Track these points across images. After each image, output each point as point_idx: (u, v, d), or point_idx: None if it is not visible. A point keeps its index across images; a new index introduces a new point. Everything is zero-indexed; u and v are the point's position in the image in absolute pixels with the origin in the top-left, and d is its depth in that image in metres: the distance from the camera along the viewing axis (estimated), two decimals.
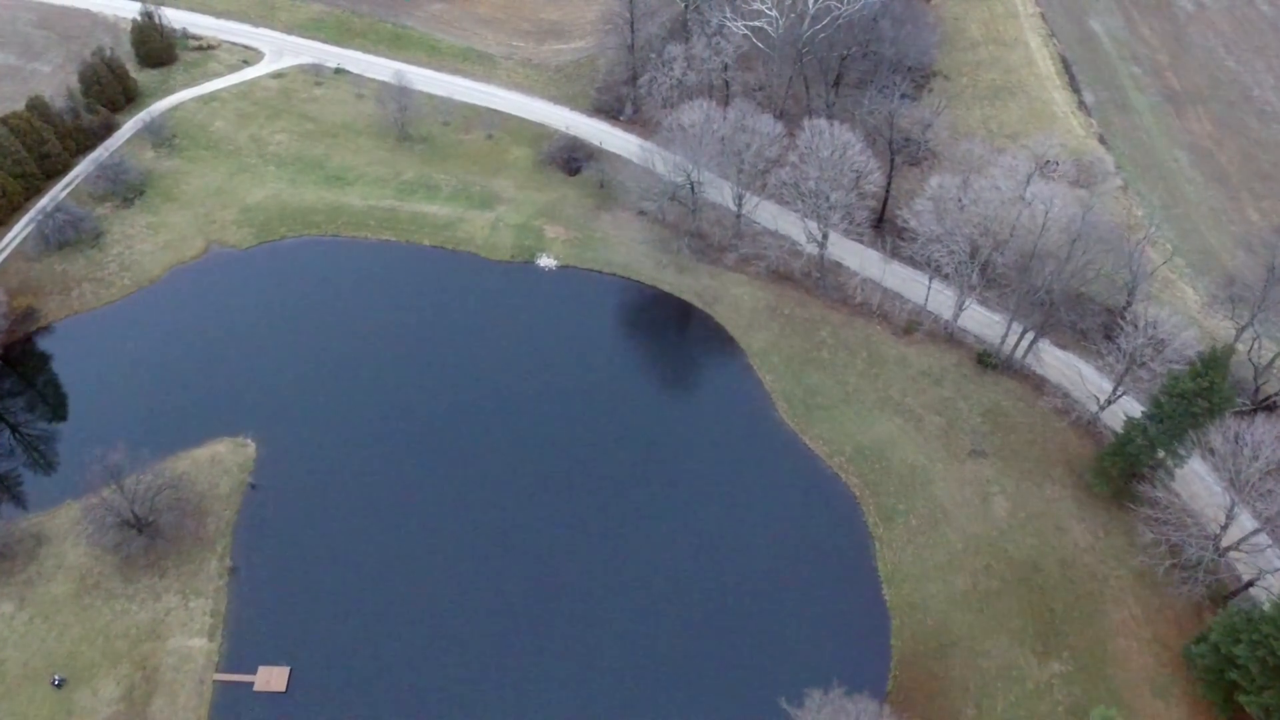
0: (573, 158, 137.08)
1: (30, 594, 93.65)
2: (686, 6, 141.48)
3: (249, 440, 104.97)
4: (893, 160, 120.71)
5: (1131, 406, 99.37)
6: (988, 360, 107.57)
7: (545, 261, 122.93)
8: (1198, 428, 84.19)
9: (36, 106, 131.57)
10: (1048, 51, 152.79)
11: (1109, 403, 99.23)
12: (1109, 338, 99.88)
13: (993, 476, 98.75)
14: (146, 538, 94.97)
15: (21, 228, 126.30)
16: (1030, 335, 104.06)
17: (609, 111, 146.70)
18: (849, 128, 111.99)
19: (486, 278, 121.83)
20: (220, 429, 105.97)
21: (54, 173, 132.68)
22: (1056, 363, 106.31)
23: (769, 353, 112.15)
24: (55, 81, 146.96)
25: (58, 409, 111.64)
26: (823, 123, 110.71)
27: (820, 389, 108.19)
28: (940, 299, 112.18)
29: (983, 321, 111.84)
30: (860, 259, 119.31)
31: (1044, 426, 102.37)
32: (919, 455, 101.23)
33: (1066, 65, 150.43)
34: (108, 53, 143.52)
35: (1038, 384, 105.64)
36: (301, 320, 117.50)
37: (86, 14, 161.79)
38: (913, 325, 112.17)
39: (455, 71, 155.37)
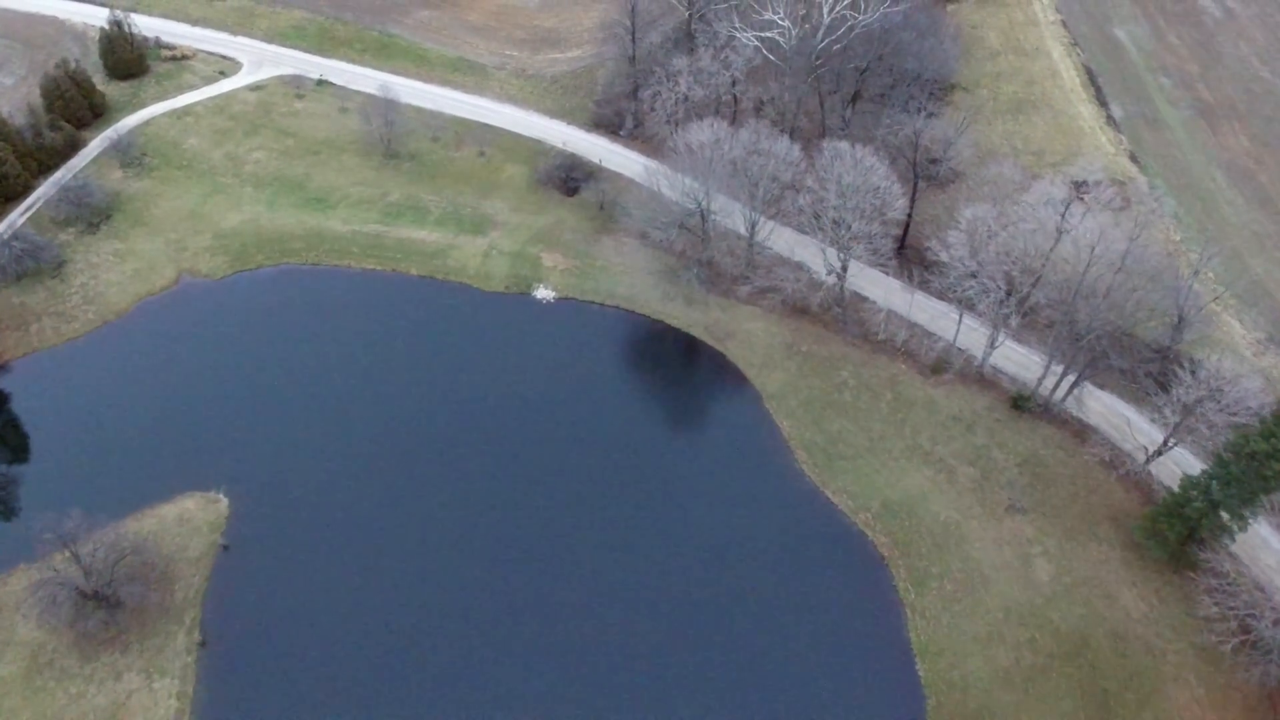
0: (571, 177, 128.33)
1: None
2: (691, 15, 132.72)
3: (221, 495, 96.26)
4: (915, 183, 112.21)
5: (1184, 458, 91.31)
6: (1023, 404, 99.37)
7: (543, 293, 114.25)
8: (1269, 492, 76.12)
9: None
10: (1071, 62, 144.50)
11: (1158, 454, 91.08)
12: (1159, 383, 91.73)
13: (1033, 535, 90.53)
14: (106, 610, 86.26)
15: None
16: (1071, 377, 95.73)
17: (608, 126, 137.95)
18: (871, 150, 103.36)
19: (480, 311, 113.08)
20: (190, 482, 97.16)
21: (13, 195, 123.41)
22: (1100, 407, 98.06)
23: (786, 395, 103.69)
24: (17, 95, 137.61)
25: (12, 458, 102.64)
26: (844, 145, 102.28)
27: (842, 436, 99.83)
28: (970, 334, 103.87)
29: (1017, 360, 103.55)
30: (883, 290, 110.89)
31: (1087, 479, 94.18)
32: (952, 511, 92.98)
33: (1092, 76, 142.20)
34: (73, 64, 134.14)
35: (1079, 431, 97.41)
36: (279, 359, 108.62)
37: (53, 21, 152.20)
38: (941, 364, 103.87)
39: (445, 83, 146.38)
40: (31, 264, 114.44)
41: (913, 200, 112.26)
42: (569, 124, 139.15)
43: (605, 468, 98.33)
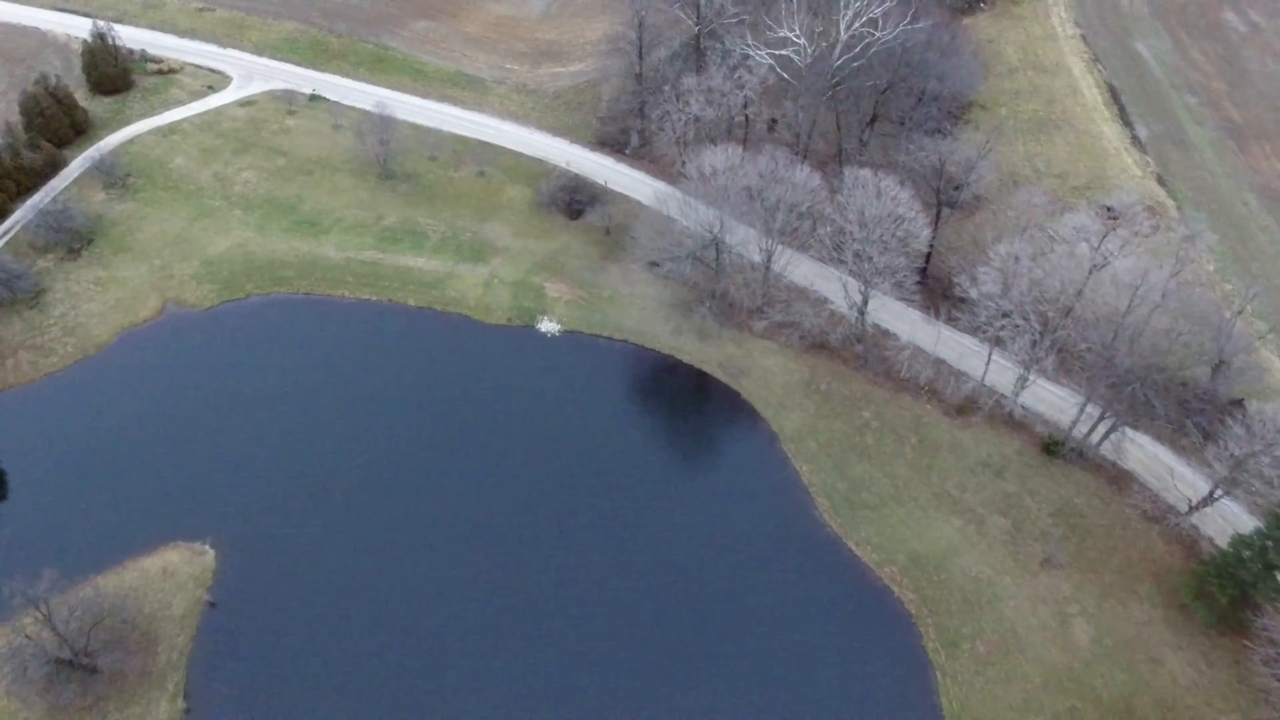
0: (575, 199, 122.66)
1: None
2: (700, 31, 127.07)
3: (207, 546, 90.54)
4: (939, 211, 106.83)
5: (1231, 511, 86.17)
6: (1056, 448, 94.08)
7: (547, 326, 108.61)
8: None
9: None
10: (1093, 79, 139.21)
11: (1203, 505, 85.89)
12: (1205, 431, 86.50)
13: (1070, 593, 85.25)
14: (82, 677, 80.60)
15: None
16: (1108, 422, 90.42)
17: (613, 144, 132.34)
18: (896, 179, 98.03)
19: (481, 345, 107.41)
20: (174, 531, 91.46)
21: None
22: (1140, 454, 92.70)
23: (805, 437, 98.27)
24: None
25: None
26: (866, 173, 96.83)
27: (866, 483, 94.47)
28: (999, 371, 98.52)
29: (1049, 401, 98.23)
30: (907, 324, 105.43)
31: (1125, 530, 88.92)
32: (983, 566, 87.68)
33: (1115, 94, 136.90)
34: (54, 80, 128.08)
35: (1116, 478, 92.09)
36: (270, 396, 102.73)
37: (35, 33, 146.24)
38: (968, 405, 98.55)
39: (443, 98, 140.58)
40: (6, 294, 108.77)
41: (935, 227, 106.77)
42: (572, 142, 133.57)
43: (614, 514, 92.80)
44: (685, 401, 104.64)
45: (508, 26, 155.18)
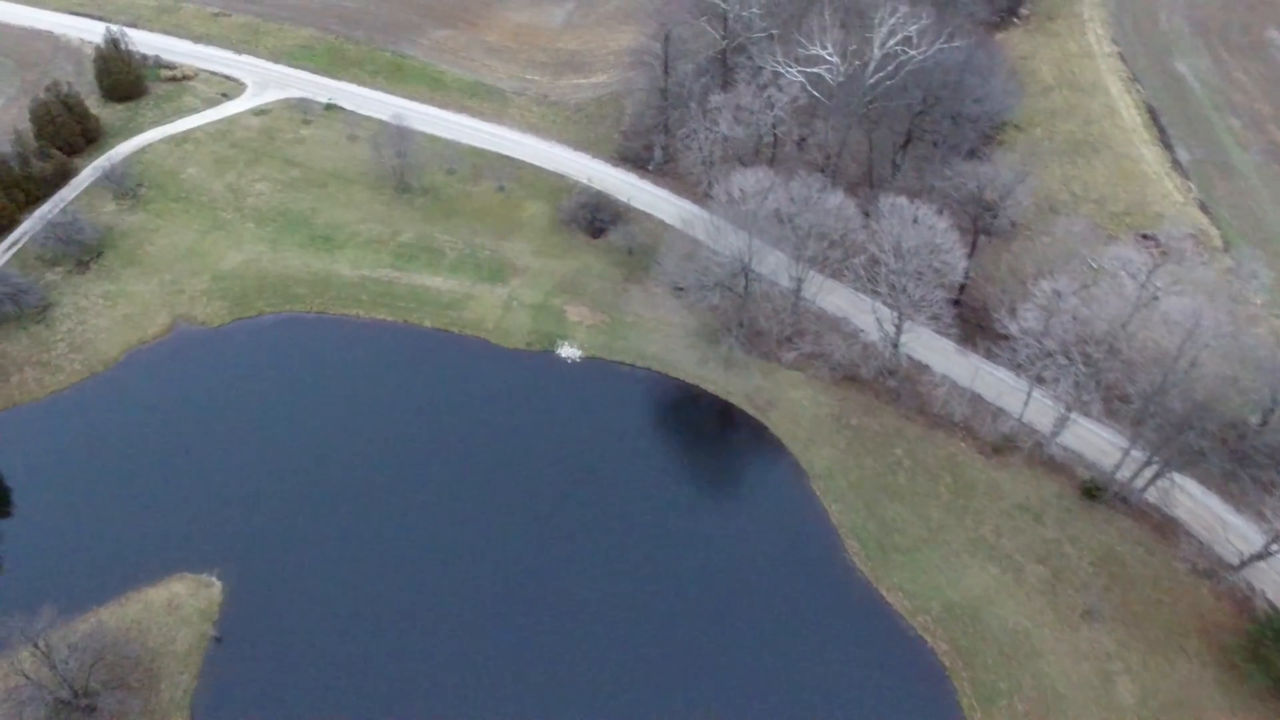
0: (597, 217, 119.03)
1: None
2: (728, 47, 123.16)
3: (214, 578, 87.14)
4: (976, 239, 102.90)
5: None
6: (1097, 493, 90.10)
7: (567, 352, 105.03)
8: None
9: None
10: (1131, 99, 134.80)
11: (1257, 559, 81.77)
12: (1260, 482, 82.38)
13: (1113, 649, 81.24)
14: (82, 716, 77.41)
15: None
16: (1154, 466, 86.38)
17: (636, 160, 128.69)
18: (934, 208, 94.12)
19: (499, 370, 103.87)
20: (180, 561, 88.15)
21: None
22: (1188, 501, 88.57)
23: (835, 475, 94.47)
24: (6, 118, 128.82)
25: None
26: (902, 201, 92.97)
27: (898, 524, 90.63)
28: (1038, 408, 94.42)
29: (1090, 441, 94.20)
30: (940, 355, 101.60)
31: (1171, 582, 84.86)
32: (1021, 617, 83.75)
33: (1154, 116, 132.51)
34: (66, 86, 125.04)
35: (1162, 527, 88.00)
36: (280, 419, 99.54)
37: (48, 37, 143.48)
38: (1006, 444, 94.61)
39: (462, 109, 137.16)
40: (13, 309, 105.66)
41: (972, 256, 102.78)
42: (593, 157, 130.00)
43: (633, 551, 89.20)
44: (710, 434, 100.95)
45: (528, 36, 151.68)
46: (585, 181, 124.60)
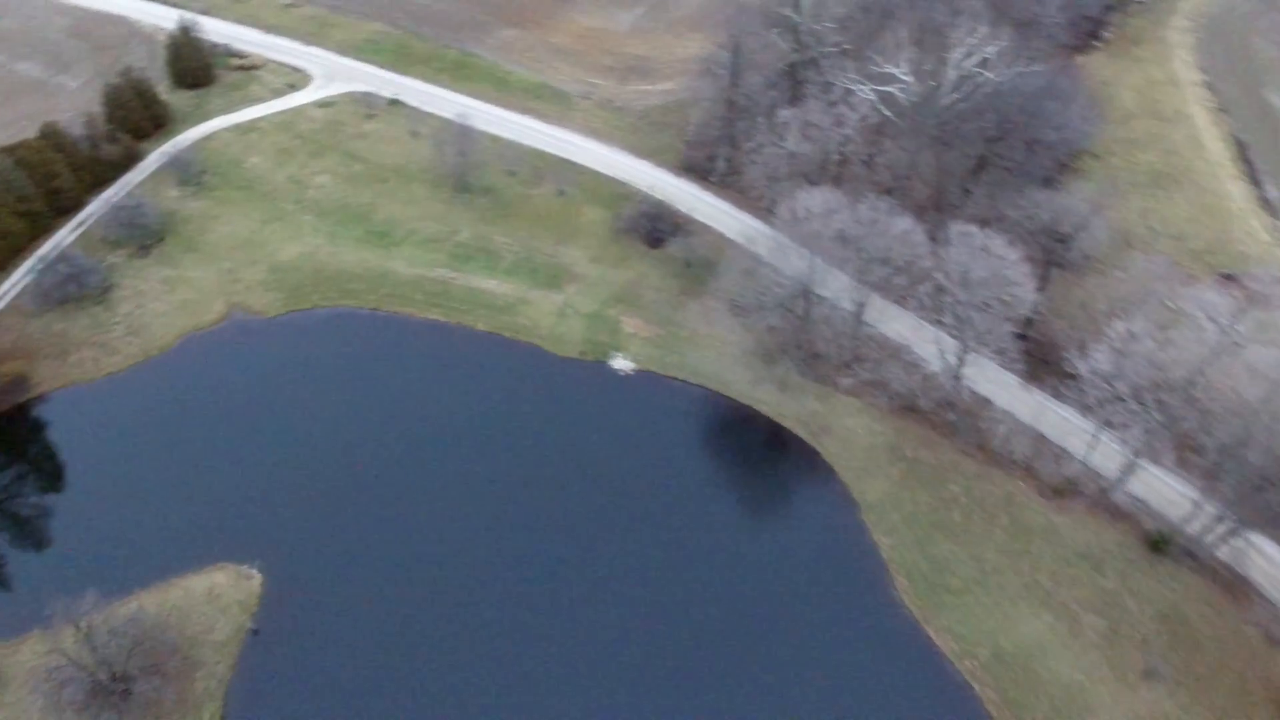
0: (656, 227, 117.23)
1: None
2: (798, 60, 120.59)
3: (255, 570, 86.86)
4: (1047, 271, 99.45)
5: None
6: (1163, 545, 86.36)
7: (620, 364, 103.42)
8: None
9: (50, 134, 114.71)
10: (1217, 131, 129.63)
11: None
12: None
13: (1174, 713, 77.64)
14: (117, 700, 77.43)
15: (21, 275, 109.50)
16: (1228, 522, 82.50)
17: (699, 170, 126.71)
18: (1004, 238, 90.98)
19: (550, 378, 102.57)
20: (223, 551, 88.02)
21: (65, 210, 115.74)
22: (1263, 562, 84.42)
23: (886, 507, 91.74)
24: (81, 99, 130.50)
25: (37, 503, 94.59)
26: (972, 229, 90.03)
27: (950, 563, 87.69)
28: (1104, 451, 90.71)
29: (1159, 490, 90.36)
30: (1002, 389, 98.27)
31: (1241, 647, 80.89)
32: (1076, 671, 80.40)
33: (1242, 149, 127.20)
34: (137, 71, 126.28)
35: (1233, 587, 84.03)
36: (329, 413, 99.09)
37: (123, 22, 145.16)
38: (1067, 487, 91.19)
39: (525, 111, 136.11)
40: (75, 289, 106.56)
41: (1042, 289, 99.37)
42: (656, 165, 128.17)
43: (676, 571, 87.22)
44: (760, 457, 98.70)
45: (595, 39, 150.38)
46: (646, 190, 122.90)
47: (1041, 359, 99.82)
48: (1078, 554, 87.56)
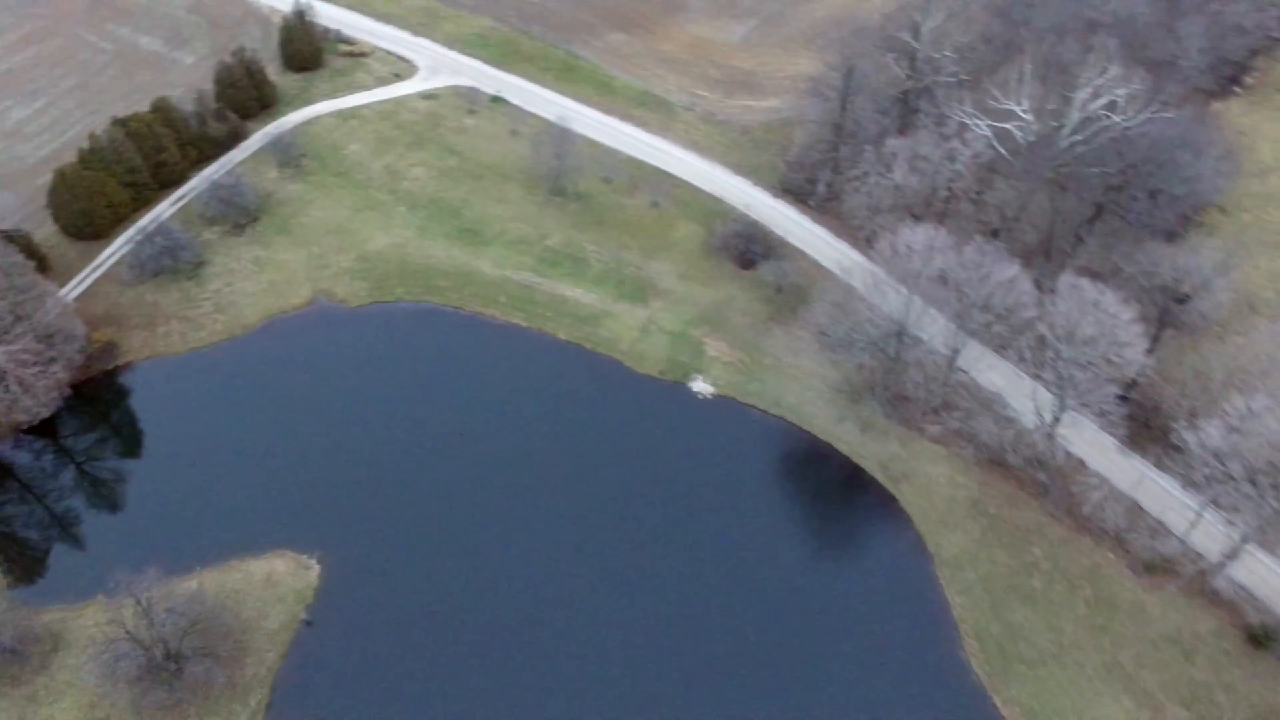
0: (749, 248, 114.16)
1: (31, 715, 77.82)
2: (912, 88, 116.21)
3: (314, 561, 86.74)
4: (1160, 332, 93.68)
5: None
6: (1265, 640, 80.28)
7: (700, 387, 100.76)
8: None
9: (161, 109, 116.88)
10: None
11: None
12: None
13: None
14: (169, 677, 77.85)
15: (120, 245, 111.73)
16: None
17: (797, 193, 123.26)
18: (1116, 292, 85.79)
19: (627, 395, 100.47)
20: (285, 538, 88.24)
21: (168, 183, 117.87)
22: None
23: (963, 564, 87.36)
24: (194, 75, 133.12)
25: (115, 469, 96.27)
26: (1084, 284, 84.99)
27: (1025, 632, 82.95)
28: (1205, 528, 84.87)
29: (1266, 579, 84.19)
30: (1101, 454, 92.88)
31: None
32: None
33: None
34: (250, 52, 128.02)
35: None
36: (405, 409, 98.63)
37: (241, 3, 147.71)
38: (1161, 564, 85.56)
39: (627, 118, 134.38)
40: (169, 262, 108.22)
41: (1153, 349, 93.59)
42: (754, 183, 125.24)
43: (737, 604, 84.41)
44: (835, 497, 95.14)
45: (704, 49, 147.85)
46: (742, 208, 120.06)
47: (1144, 423, 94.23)
48: (1167, 638, 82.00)
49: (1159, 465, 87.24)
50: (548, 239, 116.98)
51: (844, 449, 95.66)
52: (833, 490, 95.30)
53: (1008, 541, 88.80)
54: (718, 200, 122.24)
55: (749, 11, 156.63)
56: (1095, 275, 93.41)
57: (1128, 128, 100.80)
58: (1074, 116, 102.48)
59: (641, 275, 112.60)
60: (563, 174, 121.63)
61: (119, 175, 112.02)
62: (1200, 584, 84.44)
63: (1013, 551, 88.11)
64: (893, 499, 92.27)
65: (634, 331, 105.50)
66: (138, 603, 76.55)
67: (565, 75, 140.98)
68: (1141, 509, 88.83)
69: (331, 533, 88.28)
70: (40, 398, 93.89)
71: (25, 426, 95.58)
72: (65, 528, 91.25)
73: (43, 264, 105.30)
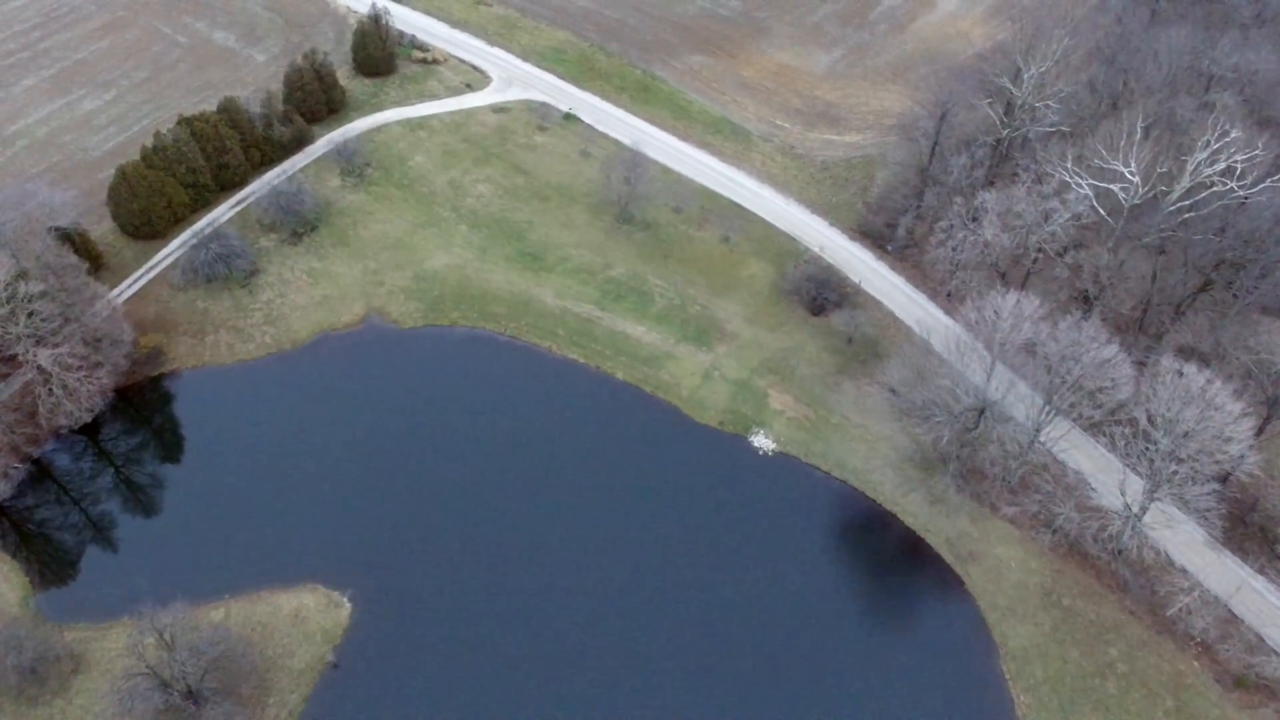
0: (822, 293, 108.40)
1: None
2: (1008, 137, 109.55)
3: (346, 599, 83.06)
4: (1268, 423, 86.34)
5: None
6: None
7: (761, 441, 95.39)
8: None
9: (228, 109, 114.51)
10: None
11: None
12: None
13: None
14: (188, 716, 74.66)
15: (175, 247, 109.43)
16: None
17: (875, 236, 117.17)
18: (1222, 377, 78.83)
19: (683, 444, 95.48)
20: (317, 570, 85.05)
21: (229, 185, 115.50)
22: None
23: (1031, 659, 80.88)
24: (265, 73, 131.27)
25: (152, 482, 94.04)
26: (1191, 371, 78.04)
27: None
28: None
29: None
30: (1193, 551, 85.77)
31: None
32: None
33: None
34: (322, 55, 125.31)
35: None
36: (451, 443, 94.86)
37: (319, 2, 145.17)
38: (1255, 680, 78.35)
39: (702, 145, 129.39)
40: (223, 270, 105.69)
41: (1259, 439, 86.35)
42: (830, 224, 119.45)
43: (786, 675, 79.35)
44: (896, 572, 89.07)
45: (787, 77, 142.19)
46: (817, 250, 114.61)
47: (1242, 520, 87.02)
48: None
49: (1261, 571, 79.99)
50: (611, 269, 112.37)
51: (909, 521, 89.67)
52: (894, 564, 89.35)
53: (1082, 638, 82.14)
54: (791, 239, 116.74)
55: (836, 40, 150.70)
56: (1197, 354, 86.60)
57: (1245, 196, 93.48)
58: (1185, 180, 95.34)
59: (707, 315, 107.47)
60: (632, 201, 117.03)
61: (180, 176, 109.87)
62: None
63: (1087, 650, 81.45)
64: (959, 580, 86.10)
65: (695, 377, 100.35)
66: (160, 636, 73.63)
67: (641, 95, 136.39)
68: (1237, 618, 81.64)
69: (366, 569, 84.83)
70: (83, 403, 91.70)
71: (66, 431, 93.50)
72: (98, 536, 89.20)
73: (97, 262, 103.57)
